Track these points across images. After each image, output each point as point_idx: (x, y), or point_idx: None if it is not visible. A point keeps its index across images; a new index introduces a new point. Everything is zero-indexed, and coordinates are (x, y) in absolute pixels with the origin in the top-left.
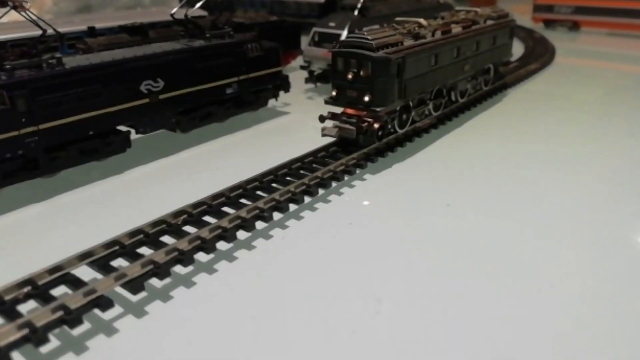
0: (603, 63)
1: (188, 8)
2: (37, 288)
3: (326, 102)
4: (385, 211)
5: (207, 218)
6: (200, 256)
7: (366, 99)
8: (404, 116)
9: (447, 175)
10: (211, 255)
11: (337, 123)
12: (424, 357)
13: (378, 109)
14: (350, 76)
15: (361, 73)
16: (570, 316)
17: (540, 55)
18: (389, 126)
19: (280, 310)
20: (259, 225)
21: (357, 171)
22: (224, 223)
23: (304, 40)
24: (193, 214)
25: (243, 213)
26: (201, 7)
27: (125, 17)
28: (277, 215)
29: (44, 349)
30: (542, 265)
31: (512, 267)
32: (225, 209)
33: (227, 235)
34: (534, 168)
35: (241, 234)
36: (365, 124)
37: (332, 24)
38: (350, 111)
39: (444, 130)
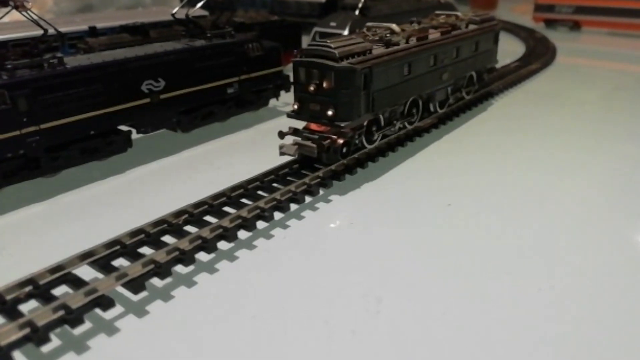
0: (604, 63)
1: (189, 8)
2: (38, 287)
3: (288, 116)
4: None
5: (208, 218)
6: (201, 256)
7: (329, 113)
8: (374, 131)
9: (448, 176)
10: (212, 255)
11: (297, 139)
12: (424, 356)
13: (342, 124)
14: (312, 88)
15: (324, 85)
16: (570, 316)
17: (541, 55)
18: (357, 141)
19: (280, 310)
20: (260, 224)
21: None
22: (225, 223)
23: (305, 40)
24: (194, 213)
25: (244, 213)
26: (202, 7)
27: (126, 17)
28: (277, 215)
29: (45, 349)
30: (542, 265)
31: (512, 267)
32: (226, 208)
33: (228, 235)
34: (534, 168)
35: (242, 234)
36: (328, 140)
37: (333, 24)
38: (314, 126)
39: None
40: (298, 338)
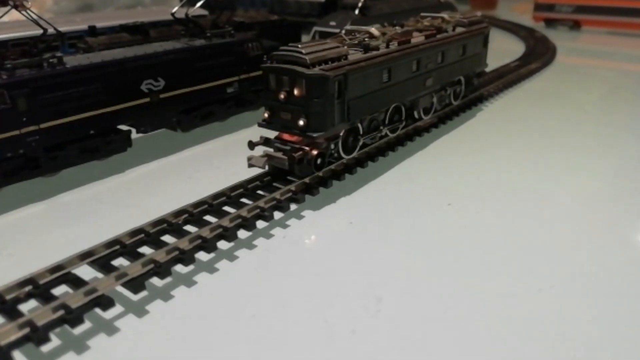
0: (604, 62)
1: (189, 7)
2: (38, 287)
3: (259, 125)
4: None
5: (207, 217)
6: (201, 255)
7: (301, 123)
8: (351, 140)
9: (447, 178)
10: (212, 255)
11: (268, 150)
12: (425, 356)
13: (315, 135)
14: (282, 96)
15: (295, 93)
16: (571, 316)
17: (541, 54)
18: (334, 152)
19: (280, 309)
20: (260, 224)
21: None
22: (225, 222)
23: (305, 40)
24: (194, 213)
25: (244, 212)
26: (202, 6)
27: (126, 16)
28: (277, 215)
29: (45, 348)
30: (543, 265)
31: (512, 266)
32: (226, 208)
33: (228, 234)
34: (535, 167)
35: (242, 234)
36: (300, 152)
37: (332, 23)
38: (286, 136)
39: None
40: (298, 337)
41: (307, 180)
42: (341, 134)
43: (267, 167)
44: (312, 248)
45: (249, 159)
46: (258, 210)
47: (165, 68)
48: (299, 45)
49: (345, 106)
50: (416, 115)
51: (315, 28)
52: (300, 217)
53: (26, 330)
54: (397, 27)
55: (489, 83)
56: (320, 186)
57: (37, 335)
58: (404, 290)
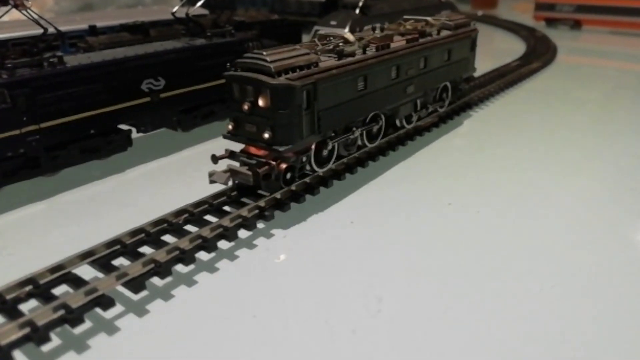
0: (605, 62)
1: (189, 7)
2: (38, 287)
3: (224, 137)
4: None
5: (208, 217)
6: (202, 255)
7: (266, 135)
8: (324, 152)
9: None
10: (212, 254)
11: (233, 165)
12: (425, 356)
13: (281, 149)
14: (246, 107)
15: (259, 104)
16: (572, 316)
17: (541, 53)
18: (307, 165)
19: (281, 309)
20: (260, 224)
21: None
22: (225, 222)
23: (305, 39)
24: (194, 213)
25: (244, 212)
26: (202, 6)
27: (126, 16)
28: (278, 214)
29: (46, 348)
30: (543, 264)
31: (513, 266)
32: (227, 208)
33: (229, 234)
34: (535, 167)
35: (242, 233)
36: (266, 167)
37: (333, 23)
38: (253, 149)
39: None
40: (299, 337)
41: (307, 180)
42: (313, 146)
43: (230, 184)
44: (312, 248)
45: (210, 174)
46: (258, 211)
47: (166, 67)
48: (264, 52)
49: (315, 117)
50: (398, 124)
51: (316, 27)
52: (300, 217)
53: (27, 330)
54: (377, 31)
55: (490, 82)
56: (307, 193)
57: (37, 335)
58: (404, 290)
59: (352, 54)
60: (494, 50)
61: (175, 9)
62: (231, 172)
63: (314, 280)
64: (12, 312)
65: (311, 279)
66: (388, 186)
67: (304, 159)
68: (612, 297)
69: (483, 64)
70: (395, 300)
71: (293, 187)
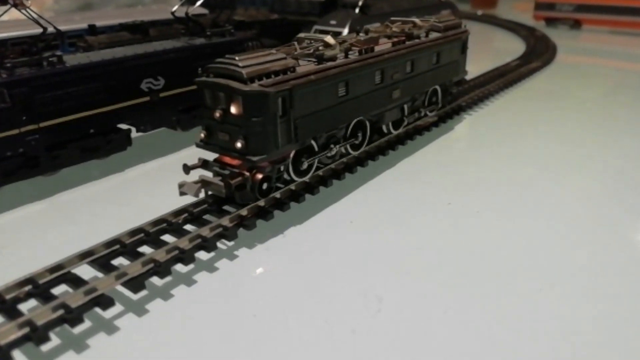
0: (605, 61)
1: (189, 6)
2: (37, 287)
3: (197, 146)
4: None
5: (207, 217)
6: (201, 255)
7: (238, 145)
8: (304, 161)
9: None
10: (212, 254)
11: (206, 175)
12: (426, 355)
13: (255, 159)
14: (218, 115)
15: (232, 111)
16: (571, 316)
17: (541, 53)
18: (285, 175)
19: (281, 309)
20: (260, 223)
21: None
22: (225, 222)
23: None
24: (194, 212)
25: (244, 212)
26: (202, 5)
27: (126, 15)
28: (277, 214)
29: (45, 348)
30: (543, 264)
31: (513, 265)
32: (226, 207)
33: (228, 234)
34: (535, 166)
35: (242, 232)
36: (239, 178)
37: (333, 22)
38: (227, 159)
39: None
40: (299, 337)
41: (307, 179)
42: (291, 155)
43: (201, 196)
44: (312, 247)
45: (180, 185)
46: (257, 210)
47: (165, 67)
48: (236, 57)
49: (292, 125)
50: (385, 130)
51: (316, 27)
52: (299, 217)
53: (26, 329)
54: (361, 34)
55: (490, 82)
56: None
57: (36, 334)
58: (404, 290)
59: (333, 58)
60: (494, 50)
61: (174, 8)
62: (203, 182)
63: (314, 280)
64: (11, 311)
65: (311, 279)
66: (387, 186)
67: (282, 168)
68: (612, 297)
69: (483, 64)
70: (396, 300)
71: (293, 187)
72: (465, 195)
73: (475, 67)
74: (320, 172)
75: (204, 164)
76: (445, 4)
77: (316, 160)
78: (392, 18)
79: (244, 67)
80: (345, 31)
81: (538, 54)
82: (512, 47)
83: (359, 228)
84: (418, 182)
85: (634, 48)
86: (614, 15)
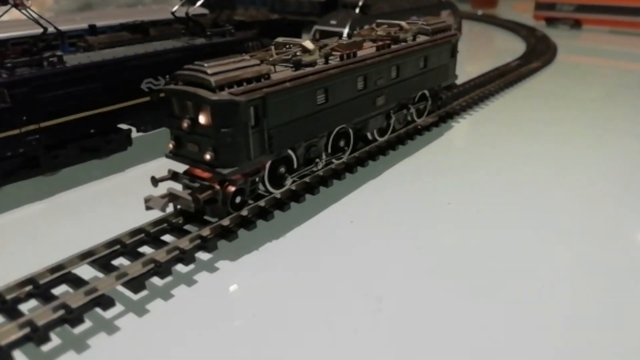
0: (605, 61)
1: (189, 6)
2: (38, 287)
3: (166, 156)
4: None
5: (208, 217)
6: (202, 255)
7: (207, 157)
8: (287, 176)
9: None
10: (212, 254)
11: (174, 189)
12: (426, 355)
13: (225, 171)
14: (186, 125)
15: (200, 121)
16: (572, 316)
17: (541, 53)
18: (260, 187)
19: (281, 308)
20: (260, 223)
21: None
22: (225, 222)
23: (305, 39)
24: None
25: (244, 212)
26: (202, 5)
27: (126, 15)
28: (277, 213)
29: (45, 348)
30: (543, 264)
31: (513, 265)
32: None
33: (228, 234)
34: (536, 166)
35: (242, 232)
36: (209, 191)
37: (333, 22)
38: (197, 171)
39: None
40: (299, 337)
41: (307, 179)
42: (267, 166)
43: (168, 210)
44: (313, 247)
45: (147, 200)
46: (258, 211)
47: (166, 67)
48: (205, 64)
49: (266, 135)
50: (370, 137)
51: (316, 27)
52: (299, 217)
53: (26, 330)
54: (343, 39)
55: (490, 82)
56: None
57: (37, 335)
58: (404, 290)
59: (312, 64)
60: (494, 50)
61: (175, 8)
62: (170, 196)
63: (314, 279)
64: (12, 312)
65: (311, 278)
66: (387, 186)
67: (257, 179)
68: (613, 297)
69: (483, 63)
70: (396, 299)
71: (293, 187)
72: (465, 195)
73: (475, 67)
74: (320, 173)
75: (174, 176)
76: (446, 4)
77: (295, 169)
78: (378, 21)
79: (212, 74)
80: (346, 31)
81: (538, 54)
82: (512, 47)
83: (359, 228)
84: (418, 182)
85: (634, 48)
86: (614, 15)
